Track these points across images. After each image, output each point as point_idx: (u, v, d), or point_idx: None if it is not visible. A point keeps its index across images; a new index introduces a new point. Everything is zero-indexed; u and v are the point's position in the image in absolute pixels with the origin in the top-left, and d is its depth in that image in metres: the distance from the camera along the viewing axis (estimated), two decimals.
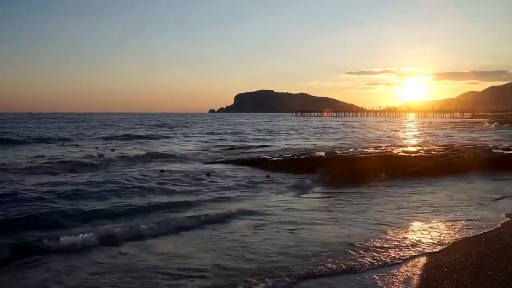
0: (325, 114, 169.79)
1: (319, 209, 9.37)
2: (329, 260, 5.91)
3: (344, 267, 5.68)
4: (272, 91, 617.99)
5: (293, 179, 12.99)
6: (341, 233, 7.25)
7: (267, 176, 13.54)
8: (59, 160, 16.75)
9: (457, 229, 7.43)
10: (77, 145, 25.30)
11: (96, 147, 23.62)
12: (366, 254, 6.15)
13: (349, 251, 6.28)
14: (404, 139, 32.99)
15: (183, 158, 18.84)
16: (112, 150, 21.97)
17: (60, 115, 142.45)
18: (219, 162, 17.15)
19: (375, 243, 6.66)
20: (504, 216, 8.23)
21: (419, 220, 8.12)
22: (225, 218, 8.24)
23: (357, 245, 6.52)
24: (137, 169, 14.59)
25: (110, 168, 15.31)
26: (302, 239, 6.93)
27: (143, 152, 20.32)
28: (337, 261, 5.87)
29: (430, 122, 76.75)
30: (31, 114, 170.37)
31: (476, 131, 44.36)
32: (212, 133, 40.76)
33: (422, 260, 5.90)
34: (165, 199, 10.07)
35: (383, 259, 5.92)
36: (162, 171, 14.09)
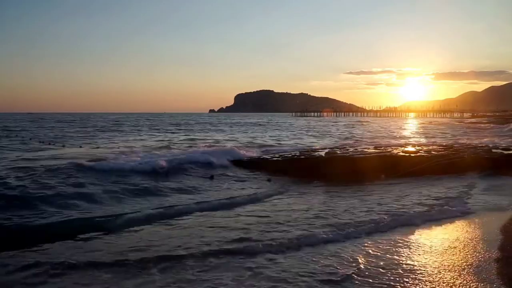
0: (325, 114, 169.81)
1: None
2: None
3: None
4: (272, 91, 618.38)
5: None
6: None
7: (268, 180, 13.13)
8: None
9: (457, 228, 7.45)
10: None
11: None
12: None
13: None
14: None
15: None
16: None
17: (62, 115, 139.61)
18: None
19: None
20: (503, 215, 8.25)
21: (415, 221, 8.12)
22: None
23: None
24: None
25: None
26: None
27: None
28: None
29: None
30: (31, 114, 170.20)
31: None
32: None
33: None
34: None
35: None
36: None
